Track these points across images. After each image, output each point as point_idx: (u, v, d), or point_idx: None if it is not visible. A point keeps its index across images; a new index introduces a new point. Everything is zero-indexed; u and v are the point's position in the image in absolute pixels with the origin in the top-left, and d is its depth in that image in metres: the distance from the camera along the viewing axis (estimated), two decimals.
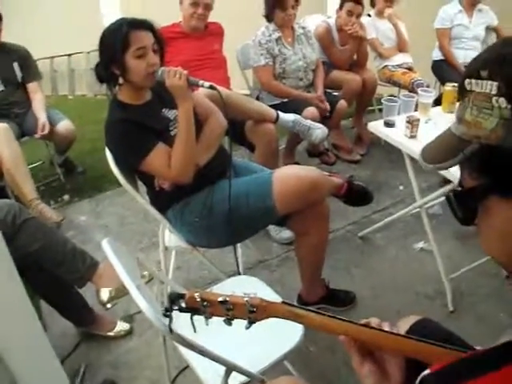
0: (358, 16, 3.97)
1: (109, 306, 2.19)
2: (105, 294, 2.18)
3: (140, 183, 2.25)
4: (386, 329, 0.98)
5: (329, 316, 1.01)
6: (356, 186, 2.62)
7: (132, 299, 2.27)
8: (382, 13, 4.43)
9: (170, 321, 1.15)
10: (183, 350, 1.67)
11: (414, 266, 2.94)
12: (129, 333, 2.50)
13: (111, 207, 3.60)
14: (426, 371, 0.63)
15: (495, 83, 0.62)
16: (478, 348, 1.18)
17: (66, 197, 3.69)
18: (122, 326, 2.51)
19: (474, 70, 0.66)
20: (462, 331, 1.30)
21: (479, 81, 0.64)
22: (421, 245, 3.07)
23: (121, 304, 2.29)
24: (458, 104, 0.72)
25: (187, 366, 2.08)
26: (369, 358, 0.95)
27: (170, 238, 2.30)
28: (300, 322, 1.04)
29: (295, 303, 1.05)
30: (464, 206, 0.71)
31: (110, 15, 4.60)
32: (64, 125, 3.64)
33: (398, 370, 0.94)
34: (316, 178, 2.16)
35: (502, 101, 0.61)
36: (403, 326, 1.38)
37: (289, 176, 2.14)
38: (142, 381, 2.27)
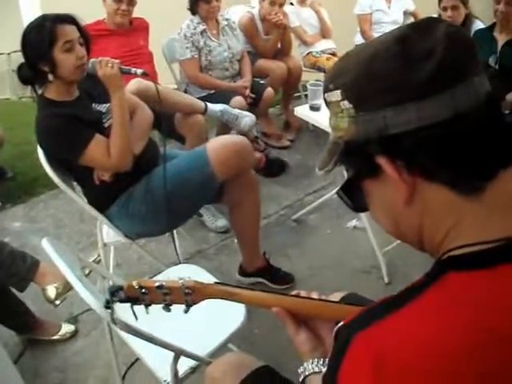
0: (281, 5, 4.04)
1: (58, 302, 2.16)
2: (51, 291, 2.15)
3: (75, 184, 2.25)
4: (315, 297, 1.06)
5: (261, 291, 1.07)
6: (272, 158, 2.74)
7: (75, 300, 2.28)
8: (304, 1, 4.52)
9: (112, 312, 1.19)
10: (131, 343, 1.71)
11: (348, 243, 3.05)
12: (74, 334, 2.48)
13: (46, 211, 3.54)
14: (340, 323, 0.70)
15: (339, 91, 0.73)
16: None
17: None
18: (66, 328, 2.48)
19: (325, 85, 0.78)
20: None
21: (330, 93, 0.76)
22: (354, 223, 3.19)
23: (64, 306, 2.27)
24: None
25: (136, 361, 2.10)
26: (303, 326, 1.03)
27: (108, 233, 2.31)
28: (235, 300, 1.10)
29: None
30: (351, 196, 0.84)
31: (30, 15, 4.48)
32: None
33: (330, 332, 1.01)
34: (242, 141, 2.33)
35: (346, 103, 0.72)
36: None
37: (221, 143, 2.28)
38: (92, 380, 2.27)
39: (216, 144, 2.28)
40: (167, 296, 1.07)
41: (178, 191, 2.17)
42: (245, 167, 2.35)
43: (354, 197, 0.83)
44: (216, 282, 1.10)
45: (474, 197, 0.68)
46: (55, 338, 2.45)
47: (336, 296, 1.41)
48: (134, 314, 1.13)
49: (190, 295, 1.07)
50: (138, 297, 1.08)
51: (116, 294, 1.09)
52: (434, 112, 0.66)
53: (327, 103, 0.79)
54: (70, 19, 2.01)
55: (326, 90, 0.78)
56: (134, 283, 1.06)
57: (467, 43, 0.71)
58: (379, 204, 0.79)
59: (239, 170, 2.29)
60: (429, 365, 0.59)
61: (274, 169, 2.81)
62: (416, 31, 0.70)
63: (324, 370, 0.96)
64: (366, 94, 0.70)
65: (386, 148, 0.69)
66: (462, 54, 0.69)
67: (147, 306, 1.09)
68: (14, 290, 2.25)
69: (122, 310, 1.21)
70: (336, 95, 0.74)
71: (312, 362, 0.98)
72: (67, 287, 2.15)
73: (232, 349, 2.06)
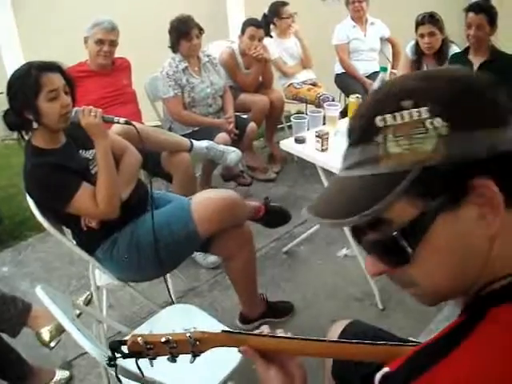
0: (260, 39, 4.10)
1: (52, 344, 2.13)
2: (45, 333, 2.13)
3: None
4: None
5: (270, 336, 1.05)
6: (273, 207, 2.71)
7: (68, 344, 2.24)
8: (284, 32, 4.58)
9: (117, 370, 1.14)
10: None
11: (340, 272, 3.06)
12: (69, 380, 2.41)
13: (34, 254, 3.49)
14: (386, 369, 0.68)
15: (424, 108, 0.65)
16: (411, 339, 1.29)
17: None
18: (61, 375, 2.40)
19: (389, 106, 0.69)
20: (394, 327, 1.40)
21: (401, 112, 0.67)
22: (344, 251, 3.20)
23: (57, 350, 2.24)
24: (358, 147, 0.72)
25: None
26: (272, 362, 1.02)
27: (100, 276, 2.29)
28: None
29: (232, 329, 1.09)
30: (411, 240, 0.69)
31: (11, 58, 4.51)
32: None
33: (299, 368, 1.02)
34: (232, 198, 2.28)
35: (438, 121, 0.64)
36: (334, 332, 1.47)
37: (206, 199, 2.24)
38: None
39: (201, 200, 2.24)
40: (173, 349, 1.05)
41: (164, 242, 2.15)
42: (234, 221, 2.30)
43: (406, 243, 0.69)
44: (223, 331, 1.08)
45: None
46: None
47: (341, 324, 1.42)
48: (140, 369, 1.10)
49: (197, 346, 1.06)
50: (143, 351, 1.04)
51: (118, 350, 1.06)
52: None
53: (378, 129, 0.69)
54: (55, 67, 2.02)
55: (390, 109, 0.69)
56: (140, 340, 1.02)
57: None
58: (448, 245, 0.68)
59: (226, 226, 2.26)
60: None
61: (274, 220, 2.76)
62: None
63: None
64: (469, 109, 0.66)
65: (489, 169, 0.64)
66: None
67: (152, 359, 1.07)
68: (5, 338, 2.19)
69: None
70: (417, 113, 0.66)
71: None
72: (61, 329, 2.13)
73: None
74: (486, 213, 0.65)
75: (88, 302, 2.82)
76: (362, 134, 0.71)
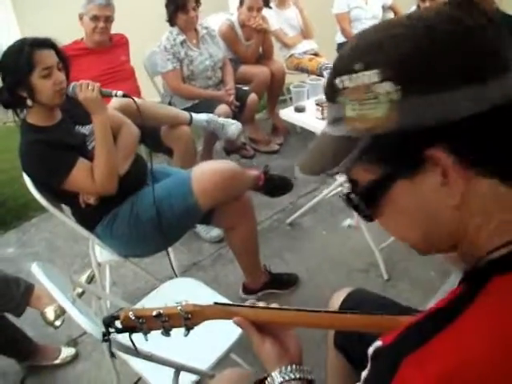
0: (259, 10, 4.03)
1: (58, 323, 2.14)
2: (50, 313, 2.13)
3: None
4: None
5: (263, 307, 1.03)
6: (273, 176, 2.69)
7: (73, 322, 2.25)
8: (283, 2, 4.51)
9: (110, 345, 1.15)
10: (132, 362, 1.68)
11: (344, 243, 3.04)
12: (75, 357, 2.44)
13: (38, 234, 3.50)
14: (378, 343, 0.64)
15: (374, 71, 0.61)
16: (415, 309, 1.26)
17: None
18: (67, 352, 2.44)
19: (344, 66, 0.65)
20: (400, 297, 1.37)
21: (353, 75, 0.64)
22: (348, 222, 3.18)
23: (62, 329, 2.24)
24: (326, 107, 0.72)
25: (138, 380, 2.08)
26: (268, 334, 1.01)
27: (101, 253, 2.29)
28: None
29: (237, 301, 1.08)
30: (369, 202, 0.71)
31: (8, 38, 4.46)
32: None
33: (294, 341, 1.01)
34: (231, 169, 2.24)
35: (389, 84, 0.60)
36: (336, 300, 1.45)
37: (205, 171, 2.20)
38: None
39: (201, 172, 2.21)
40: (166, 323, 1.04)
41: (165, 215, 2.13)
42: (234, 192, 2.28)
43: (370, 202, 0.71)
44: (215, 303, 1.06)
45: None
46: (56, 362, 2.41)
47: (344, 291, 1.41)
48: (133, 343, 1.10)
49: (189, 319, 1.04)
50: (136, 325, 1.04)
51: (112, 325, 1.05)
52: (499, 94, 0.59)
53: (338, 90, 0.67)
54: (48, 43, 1.99)
55: (345, 71, 0.65)
56: (130, 314, 1.02)
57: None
58: (407, 209, 0.69)
59: (227, 197, 2.24)
60: (490, 379, 0.55)
61: (275, 189, 2.68)
62: (461, 10, 0.62)
63: (293, 377, 0.94)
64: (422, 73, 0.60)
65: (442, 137, 0.61)
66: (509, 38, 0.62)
67: (146, 333, 1.06)
68: (10, 317, 2.22)
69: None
70: (367, 77, 0.62)
71: (280, 372, 0.95)
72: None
73: (236, 360, 2.04)
74: (445, 181, 0.63)
75: (90, 280, 2.82)
76: (329, 92, 0.69)
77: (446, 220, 0.67)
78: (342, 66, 0.66)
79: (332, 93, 0.68)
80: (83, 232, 2.18)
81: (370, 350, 0.65)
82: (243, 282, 2.64)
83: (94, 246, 2.26)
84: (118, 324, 1.05)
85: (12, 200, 3.90)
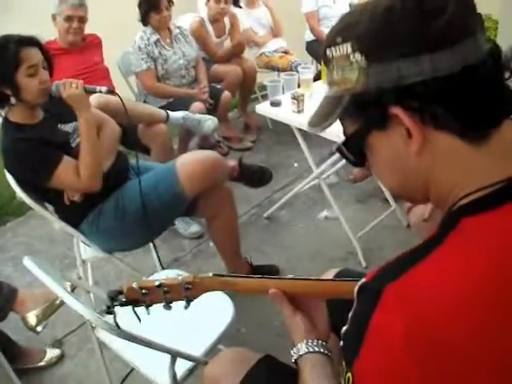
0: (226, 1, 4.08)
1: (39, 328, 2.12)
2: (32, 318, 2.12)
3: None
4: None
5: (258, 277, 1.09)
6: (248, 165, 2.75)
7: (57, 322, 2.25)
8: (253, 2, 4.58)
9: (115, 316, 1.19)
10: (126, 353, 1.70)
11: (322, 234, 3.11)
12: (60, 358, 2.42)
13: (15, 238, 3.46)
14: (362, 280, 0.73)
15: (349, 43, 0.75)
16: None
17: None
18: (52, 353, 2.42)
19: (331, 39, 0.79)
20: None
21: (336, 47, 0.78)
22: (325, 213, 3.24)
23: (46, 329, 2.23)
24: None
25: (128, 374, 2.08)
26: (298, 310, 1.05)
27: (85, 250, 2.29)
28: (234, 290, 1.11)
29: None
30: (353, 150, 0.85)
31: None
32: None
33: (323, 317, 1.06)
34: (214, 157, 2.33)
35: (358, 55, 0.74)
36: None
37: (191, 160, 2.27)
38: None
39: (185, 161, 2.27)
40: (167, 294, 1.08)
41: (151, 206, 2.16)
42: (216, 182, 2.35)
43: (356, 151, 0.85)
44: (214, 274, 1.11)
45: (480, 145, 0.72)
46: (41, 364, 2.38)
47: (331, 272, 1.45)
48: (137, 315, 1.13)
49: (190, 290, 1.08)
50: (139, 298, 1.08)
51: (116, 299, 1.09)
52: (447, 63, 0.70)
53: (329, 59, 0.80)
54: (34, 42, 1.99)
55: (331, 44, 0.79)
56: (134, 285, 1.07)
57: (472, 1, 0.75)
58: (385, 158, 0.81)
59: (210, 185, 2.30)
60: (462, 312, 0.63)
61: (254, 178, 2.76)
62: None
63: (318, 350, 0.99)
64: (381, 45, 0.72)
65: (400, 98, 0.72)
66: (469, 11, 0.73)
67: (148, 306, 1.10)
68: None
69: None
70: (344, 48, 0.76)
71: (306, 343, 1.00)
72: (47, 313, 2.13)
73: (222, 350, 2.06)
74: (409, 135, 0.74)
75: (73, 289, 2.81)
76: (323, 60, 0.83)
77: (414, 169, 0.78)
78: (330, 39, 0.80)
79: (325, 61, 0.82)
80: (68, 229, 2.18)
81: (355, 289, 0.74)
82: (225, 273, 2.66)
83: (79, 243, 2.26)
84: (122, 298, 1.09)
85: None
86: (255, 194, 3.46)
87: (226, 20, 4.30)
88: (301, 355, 0.99)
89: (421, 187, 0.80)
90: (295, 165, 3.93)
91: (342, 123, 0.85)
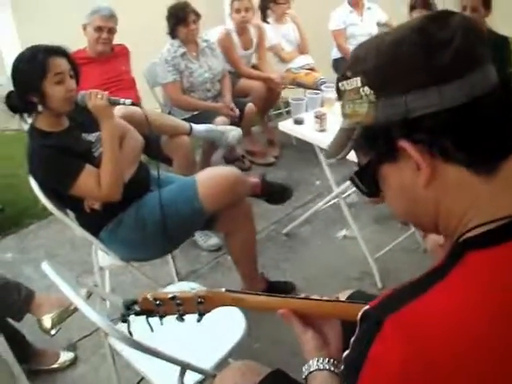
0: (247, 10, 4.12)
1: (53, 332, 2.15)
2: (47, 321, 2.15)
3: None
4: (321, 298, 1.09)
5: (268, 295, 1.10)
6: (271, 183, 2.76)
7: (73, 326, 2.28)
8: (281, 18, 4.60)
9: (129, 325, 1.21)
10: (136, 362, 1.72)
11: (340, 253, 3.10)
12: (74, 361, 2.46)
13: (36, 241, 3.53)
14: (366, 307, 0.73)
15: (358, 78, 0.77)
16: None
17: None
18: (66, 356, 2.45)
19: (343, 73, 0.81)
20: None
21: (347, 80, 0.80)
22: (343, 232, 3.23)
23: (61, 333, 2.27)
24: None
25: (140, 381, 2.10)
26: (310, 326, 1.06)
27: (103, 257, 2.32)
28: (246, 306, 1.14)
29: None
30: (365, 181, 0.86)
31: (8, 47, 4.51)
32: None
33: (336, 335, 1.06)
34: (235, 175, 2.34)
35: (367, 89, 0.76)
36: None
37: (211, 177, 2.28)
38: None
39: (206, 178, 2.28)
40: (180, 306, 1.10)
41: (170, 219, 2.18)
42: (237, 197, 2.36)
43: (369, 182, 0.86)
44: (227, 290, 1.12)
45: (488, 177, 0.72)
46: (54, 366, 2.42)
47: (344, 294, 1.46)
48: (150, 325, 1.15)
49: (202, 304, 1.10)
50: (153, 309, 1.10)
51: (131, 308, 1.11)
52: (455, 95, 0.70)
53: (341, 92, 0.82)
54: (61, 51, 2.05)
55: (342, 78, 0.81)
56: (149, 296, 1.09)
57: (480, 33, 0.76)
58: (396, 188, 0.82)
59: (230, 202, 2.31)
60: (459, 345, 0.63)
61: (275, 195, 2.77)
62: (434, 22, 0.74)
63: (327, 368, 0.99)
64: (388, 79, 0.74)
65: (408, 131, 0.73)
66: (477, 42, 0.74)
67: (161, 317, 1.12)
68: (10, 320, 2.23)
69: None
70: (355, 82, 0.78)
71: (317, 360, 1.00)
72: (62, 317, 2.16)
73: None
74: (418, 167, 0.74)
75: (89, 296, 2.85)
76: (337, 94, 0.85)
77: (423, 200, 0.78)
78: (342, 74, 0.82)
79: (338, 94, 0.84)
80: (87, 235, 2.21)
81: (359, 315, 0.73)
82: (241, 289, 2.67)
83: (97, 251, 2.30)
84: (136, 308, 1.12)
85: (10, 206, 3.93)
86: (275, 210, 3.47)
87: (254, 33, 4.33)
88: (310, 372, 1.00)
89: (430, 217, 0.80)
90: (317, 182, 3.93)
91: (356, 154, 0.86)
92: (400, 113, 0.73)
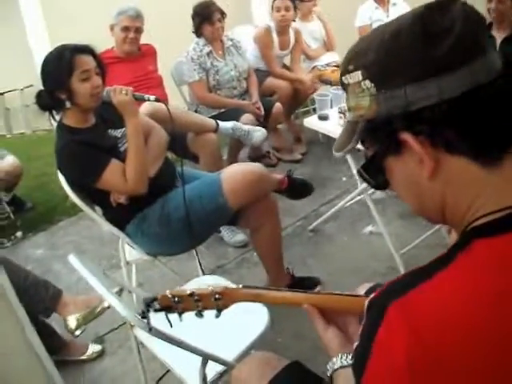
0: (287, 9, 4.12)
1: (77, 332, 2.20)
2: (72, 321, 2.19)
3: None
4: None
5: (288, 290, 1.11)
6: (296, 179, 2.76)
7: (101, 320, 2.32)
8: (307, 16, 4.61)
9: (149, 321, 1.25)
10: (160, 353, 1.75)
11: (365, 248, 3.09)
12: (101, 354, 2.51)
13: (66, 237, 3.61)
14: (372, 295, 0.73)
15: (359, 71, 0.77)
16: None
17: (19, 233, 3.66)
18: (93, 348, 2.51)
19: (345, 68, 0.81)
20: None
21: (350, 74, 0.79)
22: (369, 228, 3.23)
23: (90, 326, 2.31)
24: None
25: (164, 375, 2.14)
26: (332, 324, 1.05)
27: (130, 252, 2.36)
28: (263, 301, 1.14)
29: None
30: (372, 174, 0.86)
31: (41, 51, 4.61)
32: (9, 160, 3.62)
33: (358, 330, 1.04)
34: (259, 171, 2.34)
35: (368, 82, 0.76)
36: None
37: (236, 173, 2.29)
38: None
39: (231, 173, 2.30)
40: (199, 302, 1.11)
41: (195, 215, 2.21)
42: (262, 193, 2.37)
43: (375, 175, 0.85)
44: (244, 286, 1.13)
45: (493, 167, 0.71)
46: (82, 358, 2.48)
47: (365, 286, 1.45)
48: (169, 321, 1.17)
49: (220, 300, 1.11)
50: (172, 305, 1.12)
51: (151, 305, 1.13)
52: (455, 85, 0.69)
53: (345, 85, 0.82)
54: (87, 49, 2.11)
55: (345, 72, 0.81)
56: (168, 293, 1.11)
57: (481, 20, 0.75)
58: (402, 180, 0.82)
59: (255, 198, 2.32)
60: (458, 333, 0.63)
61: (298, 191, 2.80)
62: (434, 10, 0.73)
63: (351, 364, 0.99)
64: (388, 72, 0.74)
65: (409, 124, 0.72)
66: (478, 30, 0.73)
67: (180, 313, 1.14)
68: None
69: (153, 321, 1.26)
70: (356, 76, 0.78)
71: (341, 357, 0.99)
72: (87, 318, 2.21)
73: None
74: (421, 159, 0.74)
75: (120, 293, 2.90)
76: (342, 87, 0.85)
77: (429, 192, 0.78)
78: (344, 68, 0.81)
79: (342, 87, 0.84)
80: (113, 230, 2.26)
81: (365, 304, 0.73)
82: (266, 284, 2.68)
83: (124, 245, 2.34)
84: (156, 305, 1.13)
85: (41, 204, 4.03)
86: (301, 206, 3.48)
87: (292, 35, 4.34)
88: (335, 369, 0.99)
89: (437, 209, 0.80)
90: (343, 179, 3.92)
91: (363, 147, 0.86)
92: (400, 105, 0.72)
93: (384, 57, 0.74)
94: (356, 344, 0.74)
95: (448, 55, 0.70)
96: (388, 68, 0.74)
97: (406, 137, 0.73)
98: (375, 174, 0.85)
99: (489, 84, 0.70)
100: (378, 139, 0.79)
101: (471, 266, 0.67)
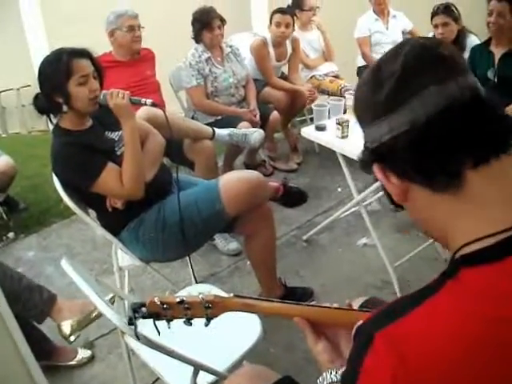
0: (287, 26, 4.09)
1: (72, 338, 2.18)
2: (66, 327, 2.17)
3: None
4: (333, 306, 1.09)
5: (279, 301, 1.10)
6: (291, 187, 2.76)
7: (91, 326, 2.30)
8: (306, 25, 4.61)
9: (136, 328, 1.22)
10: (151, 361, 1.73)
11: (359, 260, 3.08)
12: (91, 359, 2.49)
13: (58, 240, 3.58)
14: (359, 323, 0.74)
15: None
16: None
17: (11, 234, 3.63)
18: (83, 354, 2.48)
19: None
20: None
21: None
22: (364, 240, 3.22)
23: (80, 332, 2.29)
24: None
25: (155, 381, 2.12)
26: (322, 337, 1.05)
27: (123, 258, 2.34)
28: (254, 312, 1.14)
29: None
30: (386, 193, 0.88)
31: (38, 51, 4.60)
32: (3, 160, 3.58)
33: (349, 344, 1.02)
34: (257, 178, 2.34)
35: (356, 117, 0.87)
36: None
37: (234, 179, 2.29)
38: None
39: (229, 180, 2.30)
40: (188, 310, 1.10)
41: (191, 221, 2.21)
42: (259, 200, 2.37)
43: (388, 195, 0.89)
44: (235, 295, 1.12)
45: (456, 194, 0.74)
46: (72, 363, 2.45)
47: (359, 301, 1.44)
48: (157, 328, 1.16)
49: (210, 309, 1.10)
50: (160, 312, 1.11)
51: (138, 311, 1.12)
52: (399, 123, 0.75)
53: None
54: (85, 53, 2.10)
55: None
56: (156, 299, 1.10)
57: (431, 57, 0.77)
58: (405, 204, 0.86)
59: (251, 205, 2.32)
60: (448, 363, 0.64)
61: (293, 200, 2.81)
62: (388, 55, 0.80)
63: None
64: (359, 115, 0.85)
65: (374, 157, 0.82)
66: (422, 68, 0.76)
67: (169, 321, 1.12)
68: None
69: (143, 326, 1.24)
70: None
71: (331, 373, 0.99)
72: (82, 324, 2.18)
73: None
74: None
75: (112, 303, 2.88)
76: None
77: (422, 216, 0.83)
78: None
79: None
80: (107, 235, 2.24)
81: (353, 330, 0.75)
82: (259, 294, 2.67)
83: (117, 251, 2.32)
84: (144, 311, 1.12)
85: (34, 206, 4.00)
86: (296, 216, 3.47)
87: (288, 45, 4.33)
88: None
89: (435, 235, 0.85)
90: (339, 189, 3.91)
91: None
92: (372, 141, 0.81)
93: (356, 103, 0.86)
94: (343, 370, 0.76)
95: (389, 97, 0.76)
96: (358, 112, 0.86)
97: (374, 168, 0.82)
98: (387, 194, 0.89)
99: (436, 116, 0.73)
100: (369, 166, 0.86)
101: (459, 294, 0.68)
